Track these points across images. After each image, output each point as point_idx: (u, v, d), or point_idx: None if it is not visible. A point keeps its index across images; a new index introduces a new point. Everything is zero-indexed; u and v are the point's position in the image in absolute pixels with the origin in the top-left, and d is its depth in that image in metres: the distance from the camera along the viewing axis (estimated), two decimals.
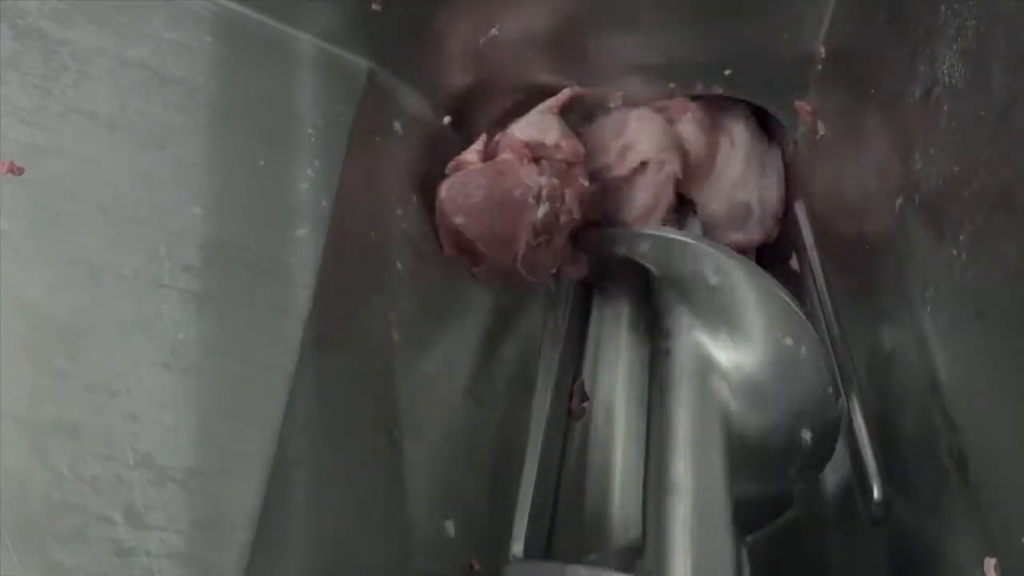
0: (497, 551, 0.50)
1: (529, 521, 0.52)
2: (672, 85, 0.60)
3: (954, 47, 0.42)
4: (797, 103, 0.60)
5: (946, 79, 0.43)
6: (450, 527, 0.46)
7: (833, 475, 0.54)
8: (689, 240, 0.56)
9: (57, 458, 0.33)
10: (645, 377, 0.56)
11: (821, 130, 0.60)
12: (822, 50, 0.57)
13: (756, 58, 0.58)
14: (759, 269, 0.54)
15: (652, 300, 0.57)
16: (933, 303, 0.44)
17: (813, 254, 0.62)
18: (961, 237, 0.41)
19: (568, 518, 0.53)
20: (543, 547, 0.52)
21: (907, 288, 0.47)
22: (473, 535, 0.48)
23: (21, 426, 0.33)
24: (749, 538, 0.54)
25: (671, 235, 0.56)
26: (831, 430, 0.52)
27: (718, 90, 0.60)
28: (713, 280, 0.53)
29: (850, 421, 0.52)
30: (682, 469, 0.47)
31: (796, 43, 0.57)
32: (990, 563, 0.38)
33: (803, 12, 0.55)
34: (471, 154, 0.53)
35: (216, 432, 0.37)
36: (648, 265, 0.56)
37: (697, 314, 0.54)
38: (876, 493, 0.49)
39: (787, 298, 0.52)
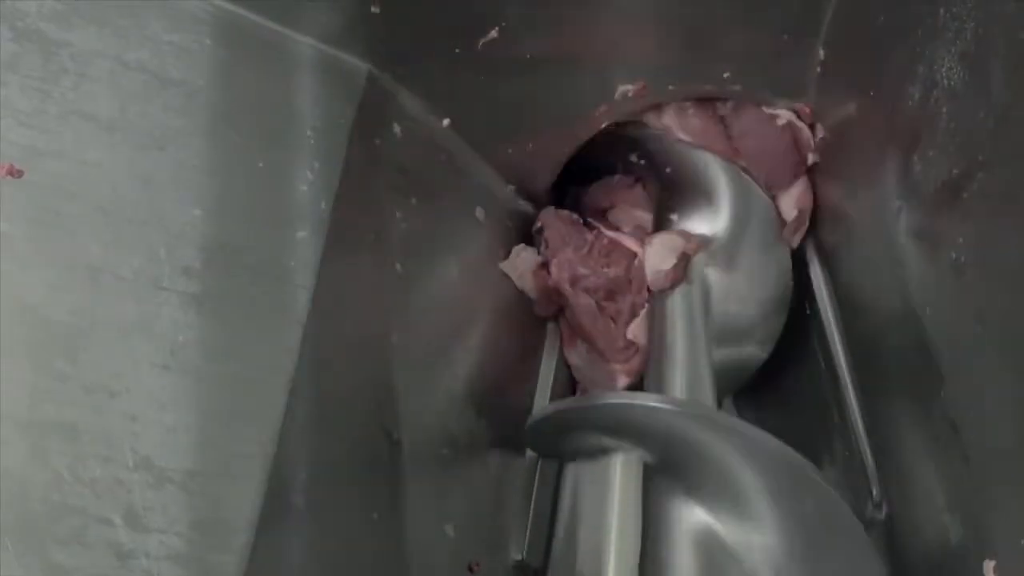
0: (497, 554, 0.50)
1: (530, 524, 0.52)
2: (671, 87, 0.60)
3: (953, 49, 0.42)
4: (796, 105, 0.60)
5: (945, 81, 0.43)
6: (450, 529, 0.46)
7: (831, 476, 0.54)
8: (703, 413, 0.48)
9: (56, 459, 0.33)
10: None
11: (820, 132, 0.60)
12: (821, 52, 0.57)
13: (755, 60, 0.58)
14: (772, 440, 0.45)
15: (646, 490, 0.48)
16: (933, 305, 0.44)
17: (811, 256, 0.62)
18: (960, 240, 0.41)
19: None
20: (544, 552, 0.52)
21: (906, 290, 0.47)
22: (473, 538, 0.48)
23: (20, 427, 0.33)
24: None
25: (659, 405, 0.47)
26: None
27: (717, 92, 0.61)
28: (727, 459, 0.45)
29: (849, 422, 0.52)
30: None
31: (795, 45, 0.57)
32: (989, 565, 0.38)
33: (802, 14, 0.56)
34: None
35: (216, 433, 0.37)
36: (642, 449, 0.48)
37: (709, 505, 0.46)
38: (874, 495, 0.49)
39: (829, 490, 0.45)
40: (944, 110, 0.43)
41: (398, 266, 0.49)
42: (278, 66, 0.49)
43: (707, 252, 0.62)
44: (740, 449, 0.45)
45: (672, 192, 0.65)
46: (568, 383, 0.64)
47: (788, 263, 0.63)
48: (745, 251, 0.63)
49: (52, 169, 0.38)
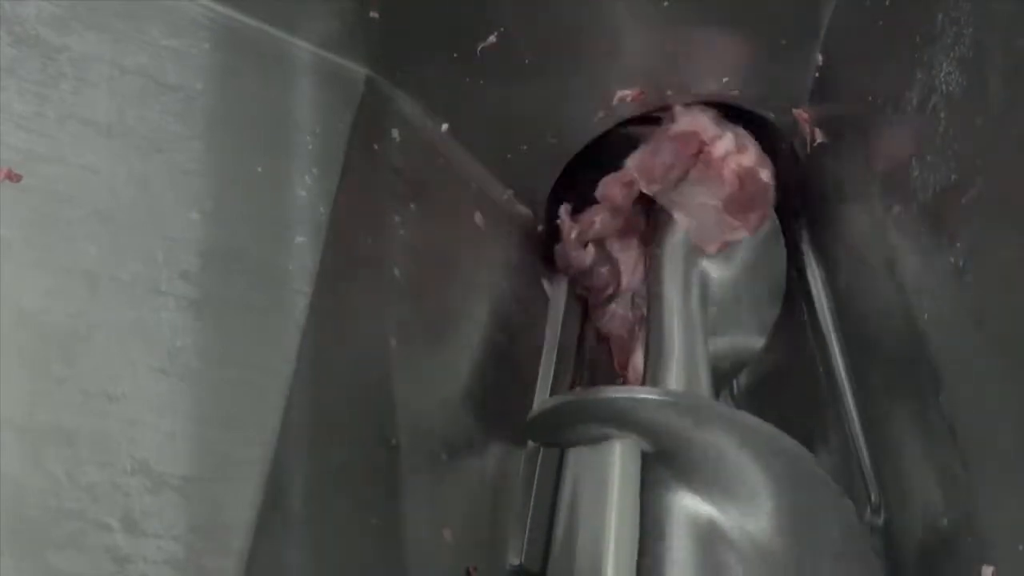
0: (495, 558, 0.50)
1: (528, 529, 0.52)
2: (669, 92, 0.60)
3: (951, 55, 0.42)
4: (795, 111, 0.60)
5: (943, 87, 0.43)
6: (448, 535, 0.46)
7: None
8: (686, 403, 0.48)
9: (54, 464, 0.33)
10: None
11: (819, 137, 0.60)
12: (820, 58, 0.57)
13: (753, 66, 0.58)
14: (768, 428, 0.46)
15: (644, 478, 0.48)
16: (932, 310, 0.44)
17: (810, 260, 0.62)
18: (959, 244, 0.41)
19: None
20: (542, 558, 0.52)
21: (906, 295, 0.47)
22: (471, 543, 0.48)
23: (18, 432, 0.33)
24: None
25: (661, 398, 0.48)
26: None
27: (715, 97, 0.61)
28: (733, 455, 0.46)
29: (847, 427, 0.52)
30: None
31: (794, 50, 0.57)
32: (988, 571, 0.38)
33: (800, 19, 0.56)
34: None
35: (213, 439, 0.37)
36: (640, 438, 0.48)
37: (704, 493, 0.47)
38: (873, 499, 0.49)
39: (825, 478, 0.46)
40: (942, 115, 0.43)
41: (396, 271, 0.49)
42: (277, 71, 0.49)
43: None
44: (737, 438, 0.45)
45: None
46: (567, 387, 0.64)
47: (783, 252, 0.64)
48: (742, 242, 0.64)
49: (50, 173, 0.38)
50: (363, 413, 0.44)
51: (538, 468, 0.55)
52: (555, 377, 0.62)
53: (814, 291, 0.60)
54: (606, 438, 0.48)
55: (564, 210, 0.66)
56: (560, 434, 0.52)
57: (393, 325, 0.48)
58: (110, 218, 0.39)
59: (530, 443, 0.56)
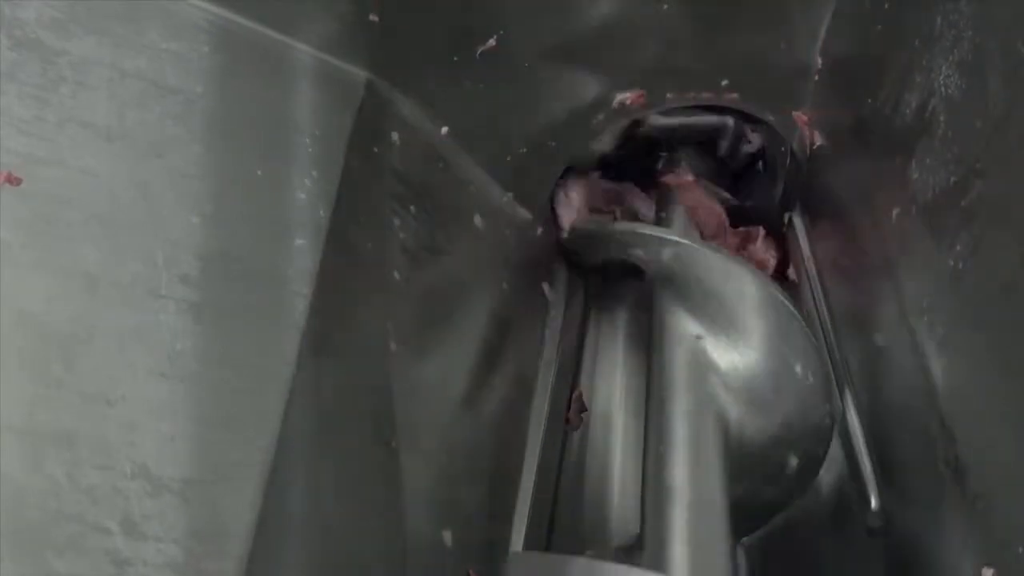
0: (495, 561, 0.50)
1: (528, 522, 0.52)
2: (669, 95, 0.60)
3: (950, 58, 0.42)
4: (794, 113, 0.60)
5: (942, 90, 0.43)
6: (448, 537, 0.46)
7: (830, 484, 0.54)
8: (693, 245, 0.55)
9: (54, 467, 0.33)
10: (643, 387, 0.55)
11: (818, 140, 0.60)
12: (819, 60, 0.57)
13: (753, 68, 0.58)
14: (763, 275, 0.54)
15: (651, 302, 0.57)
16: (930, 313, 0.44)
17: (810, 263, 0.62)
18: (958, 247, 0.41)
19: (566, 522, 0.53)
20: (542, 548, 0.52)
21: (904, 298, 0.47)
22: (471, 545, 0.48)
23: (18, 435, 0.33)
24: (745, 540, 0.54)
25: (674, 238, 0.56)
26: (821, 450, 0.53)
27: (715, 100, 0.61)
28: (717, 285, 0.53)
29: (847, 430, 0.52)
30: (680, 471, 0.47)
31: (793, 53, 0.57)
32: (988, 573, 0.38)
33: (800, 23, 0.56)
34: None
35: (213, 442, 0.37)
36: (648, 268, 0.56)
37: (697, 317, 0.53)
38: (873, 503, 0.49)
39: (790, 308, 0.52)
40: (942, 118, 0.43)
41: (396, 274, 0.49)
42: (276, 74, 0.49)
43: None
44: (737, 286, 0.53)
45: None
46: (567, 388, 0.64)
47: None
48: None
49: (50, 177, 0.38)
50: (363, 415, 0.44)
51: (539, 468, 0.55)
52: (555, 379, 0.62)
53: (813, 298, 0.60)
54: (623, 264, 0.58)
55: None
56: (587, 254, 0.63)
57: (393, 328, 0.48)
58: (110, 221, 0.39)
59: (529, 437, 0.56)
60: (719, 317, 0.53)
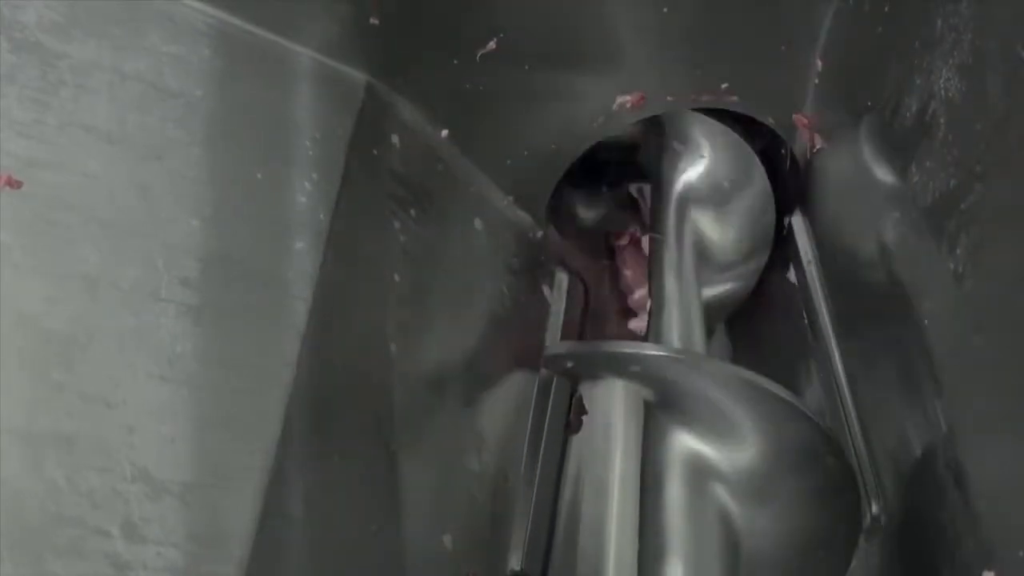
0: (495, 565, 0.50)
1: (528, 535, 0.52)
2: (669, 98, 0.60)
3: (951, 61, 0.42)
4: (794, 116, 0.60)
5: (942, 92, 0.43)
6: (448, 541, 0.46)
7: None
8: (694, 360, 0.55)
9: (54, 470, 0.33)
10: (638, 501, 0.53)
11: (818, 143, 0.60)
12: (819, 64, 0.57)
13: (753, 72, 0.58)
14: (751, 374, 0.52)
15: (646, 418, 0.55)
16: (931, 315, 0.44)
17: (811, 267, 0.62)
18: (959, 250, 0.41)
19: (566, 526, 0.53)
20: (541, 562, 0.52)
21: (905, 300, 0.47)
22: (471, 549, 0.48)
23: (18, 438, 0.33)
24: None
25: (663, 353, 0.55)
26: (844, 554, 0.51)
27: (715, 103, 0.61)
28: (710, 393, 0.52)
29: (847, 433, 0.52)
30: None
31: (793, 57, 0.57)
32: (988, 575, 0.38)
33: (800, 26, 0.56)
34: None
35: (213, 445, 0.37)
36: (641, 386, 0.55)
37: (699, 433, 0.52)
38: (873, 506, 0.49)
39: (785, 397, 0.51)
40: (942, 121, 0.43)
41: (397, 277, 0.49)
42: (277, 77, 0.49)
43: (696, 198, 0.70)
44: (730, 387, 0.51)
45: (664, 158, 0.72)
46: (567, 391, 0.64)
47: (772, 205, 0.67)
48: (733, 194, 0.69)
49: (51, 180, 0.38)
50: (363, 418, 0.44)
51: (539, 469, 0.55)
52: (555, 382, 0.61)
53: (815, 297, 0.60)
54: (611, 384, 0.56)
55: None
56: (571, 373, 0.59)
57: (393, 330, 0.47)
58: (110, 224, 0.39)
59: (529, 441, 0.56)
60: (721, 430, 0.52)
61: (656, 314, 0.65)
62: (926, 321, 0.44)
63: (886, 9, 0.49)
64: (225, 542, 0.35)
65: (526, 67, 0.56)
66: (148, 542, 0.34)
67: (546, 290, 0.67)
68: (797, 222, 0.65)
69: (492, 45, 0.54)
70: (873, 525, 0.49)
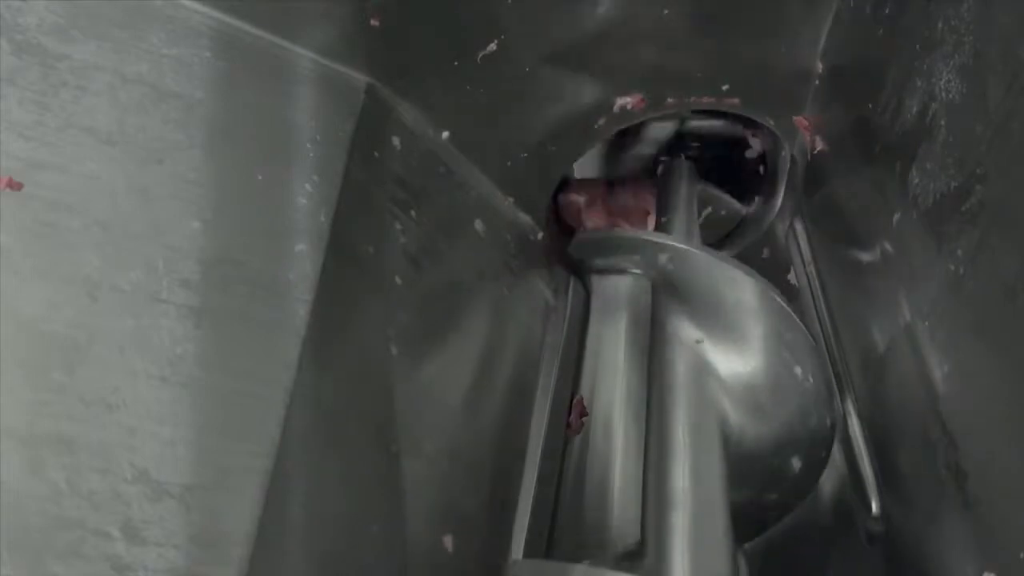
0: (496, 566, 0.50)
1: (528, 528, 0.52)
2: (670, 100, 0.60)
3: (951, 63, 0.43)
4: (795, 118, 0.61)
5: (943, 94, 0.43)
6: (448, 542, 0.46)
7: (831, 489, 0.55)
8: (691, 249, 0.56)
9: (54, 472, 0.33)
10: (644, 392, 0.55)
11: (819, 145, 0.60)
12: (820, 65, 0.57)
13: (754, 73, 0.58)
14: (762, 280, 0.54)
15: (653, 307, 0.58)
16: (931, 317, 0.44)
17: (811, 268, 0.62)
18: (959, 252, 0.41)
19: (566, 528, 0.53)
20: (542, 554, 0.52)
21: (905, 302, 0.47)
22: (471, 550, 0.48)
23: (19, 440, 0.33)
24: (747, 545, 0.55)
25: (671, 243, 0.57)
26: (822, 453, 0.52)
27: (716, 105, 0.61)
28: (716, 290, 0.54)
29: (848, 435, 0.52)
30: (681, 476, 0.47)
31: (794, 58, 0.57)
32: None
33: (801, 28, 0.56)
34: None
35: (213, 447, 0.37)
36: (648, 273, 0.57)
37: (697, 321, 0.54)
38: (874, 508, 0.49)
39: (789, 312, 0.53)
40: (942, 123, 0.43)
41: (397, 279, 0.49)
42: (277, 79, 0.49)
43: None
44: (736, 290, 0.54)
45: None
46: (568, 393, 0.64)
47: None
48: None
49: (51, 182, 0.38)
50: (364, 420, 0.44)
51: (539, 474, 0.55)
52: (556, 384, 0.61)
53: (813, 298, 0.60)
54: (622, 270, 0.60)
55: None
56: (589, 260, 0.63)
57: (394, 333, 0.48)
58: (110, 226, 0.39)
59: (530, 442, 0.56)
60: (718, 322, 0.53)
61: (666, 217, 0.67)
62: (926, 323, 0.44)
63: (887, 11, 0.49)
64: (225, 544, 0.35)
65: (527, 69, 0.56)
66: (148, 544, 0.34)
67: (547, 292, 0.67)
68: (797, 224, 0.65)
69: (493, 47, 0.54)
70: (873, 526, 0.49)
